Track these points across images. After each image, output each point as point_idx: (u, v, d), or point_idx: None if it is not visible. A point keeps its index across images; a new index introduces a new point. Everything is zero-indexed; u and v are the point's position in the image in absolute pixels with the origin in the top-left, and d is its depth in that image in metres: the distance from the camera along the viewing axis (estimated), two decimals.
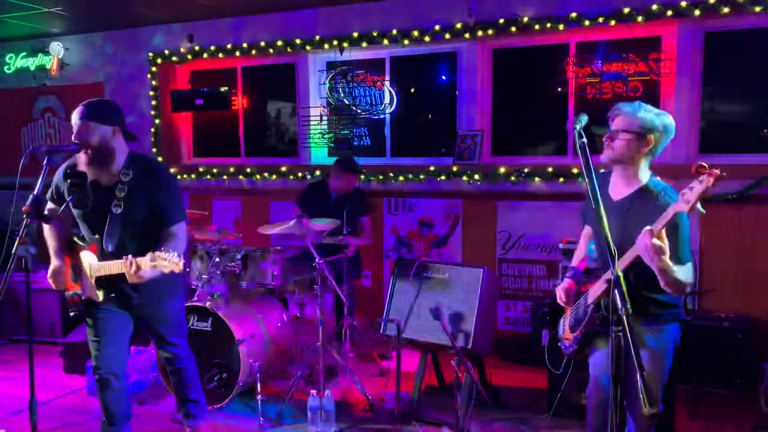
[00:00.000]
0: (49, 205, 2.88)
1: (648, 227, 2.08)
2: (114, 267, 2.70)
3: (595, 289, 2.42)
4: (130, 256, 2.60)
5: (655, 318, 2.40)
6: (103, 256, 2.78)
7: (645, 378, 1.81)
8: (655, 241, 2.05)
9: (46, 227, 2.91)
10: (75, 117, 2.72)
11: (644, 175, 2.41)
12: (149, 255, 2.55)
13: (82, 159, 2.77)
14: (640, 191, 2.39)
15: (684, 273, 2.18)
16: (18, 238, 2.38)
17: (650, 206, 2.28)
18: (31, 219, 2.47)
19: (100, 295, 2.81)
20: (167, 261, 2.54)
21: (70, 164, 2.84)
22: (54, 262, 2.89)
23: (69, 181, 2.75)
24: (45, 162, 2.58)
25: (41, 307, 5.09)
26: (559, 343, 2.73)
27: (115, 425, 2.99)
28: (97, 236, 2.79)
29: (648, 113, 2.35)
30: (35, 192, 2.51)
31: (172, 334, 3.10)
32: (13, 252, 2.37)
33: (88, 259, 2.83)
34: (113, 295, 2.84)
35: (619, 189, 2.46)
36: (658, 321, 2.41)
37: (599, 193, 2.02)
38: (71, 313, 2.93)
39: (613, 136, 2.37)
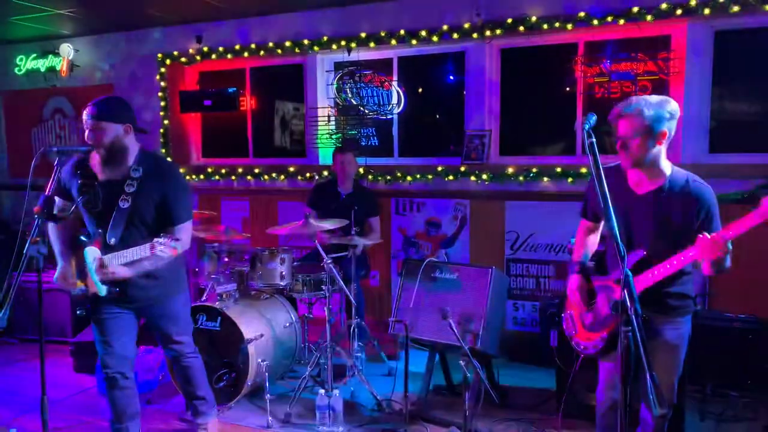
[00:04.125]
0: (57, 202, 2.80)
1: (716, 233, 2.11)
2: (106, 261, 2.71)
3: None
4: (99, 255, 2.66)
5: (674, 310, 2.43)
6: (105, 249, 2.75)
7: (655, 379, 1.79)
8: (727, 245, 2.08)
9: (51, 228, 2.89)
10: (86, 116, 2.73)
11: (667, 165, 2.41)
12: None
13: (95, 158, 2.78)
14: (669, 183, 2.39)
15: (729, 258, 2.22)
16: (29, 238, 2.39)
17: (682, 196, 2.33)
18: (42, 219, 2.49)
19: (102, 290, 2.75)
20: (159, 247, 2.58)
21: (80, 160, 2.85)
22: (60, 264, 2.88)
23: (80, 181, 2.77)
24: (56, 162, 2.60)
25: (52, 307, 5.12)
26: (573, 343, 2.67)
27: (124, 423, 3.01)
28: (101, 230, 2.78)
29: (652, 109, 2.30)
30: (46, 192, 2.53)
31: (176, 332, 3.10)
32: (24, 252, 2.38)
33: (92, 254, 2.78)
34: (117, 289, 2.79)
35: (642, 183, 2.44)
36: (677, 313, 2.44)
37: (615, 188, 1.99)
38: (78, 312, 2.93)
39: (626, 143, 2.33)
